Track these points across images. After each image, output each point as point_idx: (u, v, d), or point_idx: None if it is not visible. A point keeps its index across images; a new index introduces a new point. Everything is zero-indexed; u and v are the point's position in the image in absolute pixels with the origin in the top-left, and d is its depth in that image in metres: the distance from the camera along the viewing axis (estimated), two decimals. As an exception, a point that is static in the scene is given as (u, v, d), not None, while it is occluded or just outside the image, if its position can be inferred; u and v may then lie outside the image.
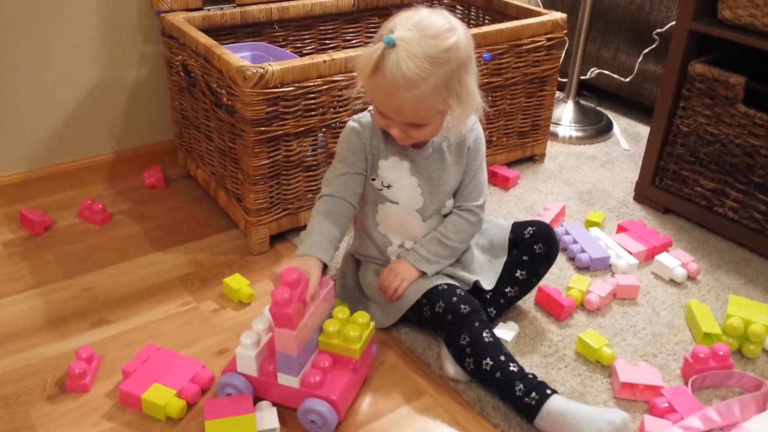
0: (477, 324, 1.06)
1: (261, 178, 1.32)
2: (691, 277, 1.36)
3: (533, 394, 0.98)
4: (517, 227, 1.22)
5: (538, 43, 1.61)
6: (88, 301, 1.27)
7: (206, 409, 0.98)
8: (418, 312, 1.13)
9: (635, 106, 2.14)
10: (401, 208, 1.15)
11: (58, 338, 1.17)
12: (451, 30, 0.99)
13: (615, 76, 2.10)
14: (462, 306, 1.07)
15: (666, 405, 1.03)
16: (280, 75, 1.24)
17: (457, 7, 1.90)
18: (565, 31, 1.65)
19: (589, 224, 1.52)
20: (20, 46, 1.47)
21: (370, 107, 1.12)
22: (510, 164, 1.75)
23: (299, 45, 1.74)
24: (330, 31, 1.78)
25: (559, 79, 1.76)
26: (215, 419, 0.96)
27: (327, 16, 1.75)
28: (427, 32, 0.97)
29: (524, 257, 1.19)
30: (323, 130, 1.37)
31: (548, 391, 0.98)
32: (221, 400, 1.00)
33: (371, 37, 1.86)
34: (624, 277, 1.31)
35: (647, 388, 1.06)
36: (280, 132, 1.30)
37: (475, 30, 1.49)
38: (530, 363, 1.12)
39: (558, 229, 1.45)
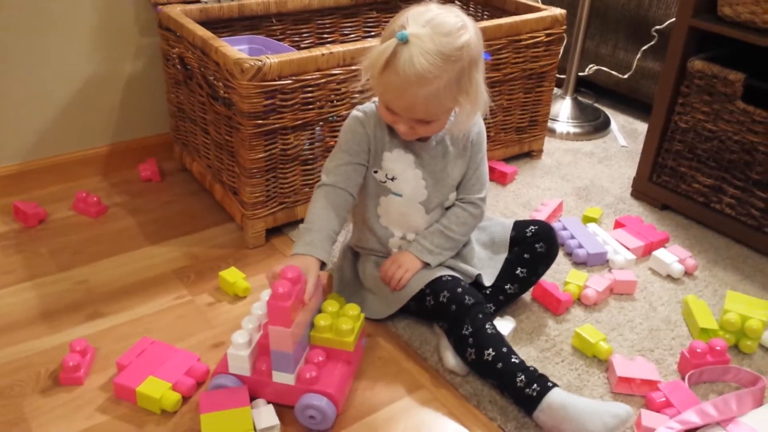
0: (480, 316, 1.06)
1: (257, 172, 1.32)
2: (688, 273, 1.36)
3: (534, 385, 0.98)
4: (519, 225, 1.22)
5: (537, 39, 1.60)
6: (82, 293, 1.26)
7: (201, 402, 0.97)
8: (421, 302, 1.13)
9: (633, 103, 2.14)
10: (405, 201, 1.15)
11: (52, 331, 1.16)
12: (463, 28, 0.99)
13: (613, 72, 2.10)
14: (466, 297, 1.07)
15: (663, 400, 1.03)
16: (278, 68, 1.23)
17: (456, 2, 1.89)
18: (564, 27, 1.65)
19: (587, 220, 1.51)
20: (16, 38, 1.46)
21: (374, 98, 1.11)
22: (507, 160, 1.75)
23: (297, 39, 1.73)
24: (328, 26, 1.78)
25: (558, 75, 1.75)
26: (210, 412, 0.95)
27: (325, 10, 1.74)
28: (440, 29, 0.97)
29: (525, 255, 1.19)
30: (320, 123, 1.36)
31: (549, 384, 0.98)
32: (216, 392, 0.98)
33: (369, 32, 1.85)
34: (621, 273, 1.30)
35: (644, 383, 1.06)
36: (277, 125, 1.29)
37: (474, 24, 1.48)
38: (527, 357, 1.12)
39: (555, 225, 1.45)
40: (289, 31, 1.71)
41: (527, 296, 1.26)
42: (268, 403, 1.00)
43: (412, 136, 1.08)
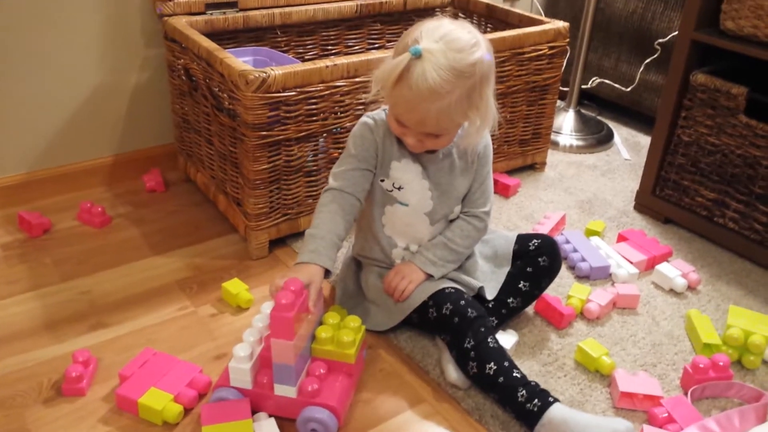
0: (483, 329, 1.06)
1: (261, 183, 1.32)
2: (691, 288, 1.35)
3: (536, 400, 0.98)
4: (522, 239, 1.23)
5: (540, 52, 1.61)
6: (85, 304, 1.26)
7: (203, 414, 0.97)
8: (423, 314, 1.13)
9: (636, 116, 2.14)
10: (410, 211, 1.15)
11: (54, 341, 1.16)
12: (476, 44, 1.00)
13: (616, 85, 2.10)
14: (469, 310, 1.07)
15: (665, 415, 1.02)
16: (282, 80, 1.24)
17: (460, 15, 1.90)
18: (567, 40, 1.65)
19: (590, 233, 1.51)
20: (22, 48, 1.48)
21: (384, 106, 1.11)
22: (510, 172, 1.75)
23: (301, 50, 1.74)
24: (332, 37, 1.79)
25: (561, 88, 1.76)
26: (212, 425, 0.95)
27: (329, 21, 1.75)
28: (453, 45, 0.97)
29: (528, 269, 1.19)
30: (324, 135, 1.37)
31: (551, 399, 0.98)
32: (218, 405, 0.98)
33: (373, 44, 1.86)
34: (624, 287, 1.30)
35: (646, 398, 1.05)
36: (281, 137, 1.30)
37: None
38: (529, 371, 1.12)
39: (558, 238, 1.45)
40: (293, 43, 1.72)
41: (530, 310, 1.26)
42: (270, 416, 1.00)
43: (420, 149, 1.09)
